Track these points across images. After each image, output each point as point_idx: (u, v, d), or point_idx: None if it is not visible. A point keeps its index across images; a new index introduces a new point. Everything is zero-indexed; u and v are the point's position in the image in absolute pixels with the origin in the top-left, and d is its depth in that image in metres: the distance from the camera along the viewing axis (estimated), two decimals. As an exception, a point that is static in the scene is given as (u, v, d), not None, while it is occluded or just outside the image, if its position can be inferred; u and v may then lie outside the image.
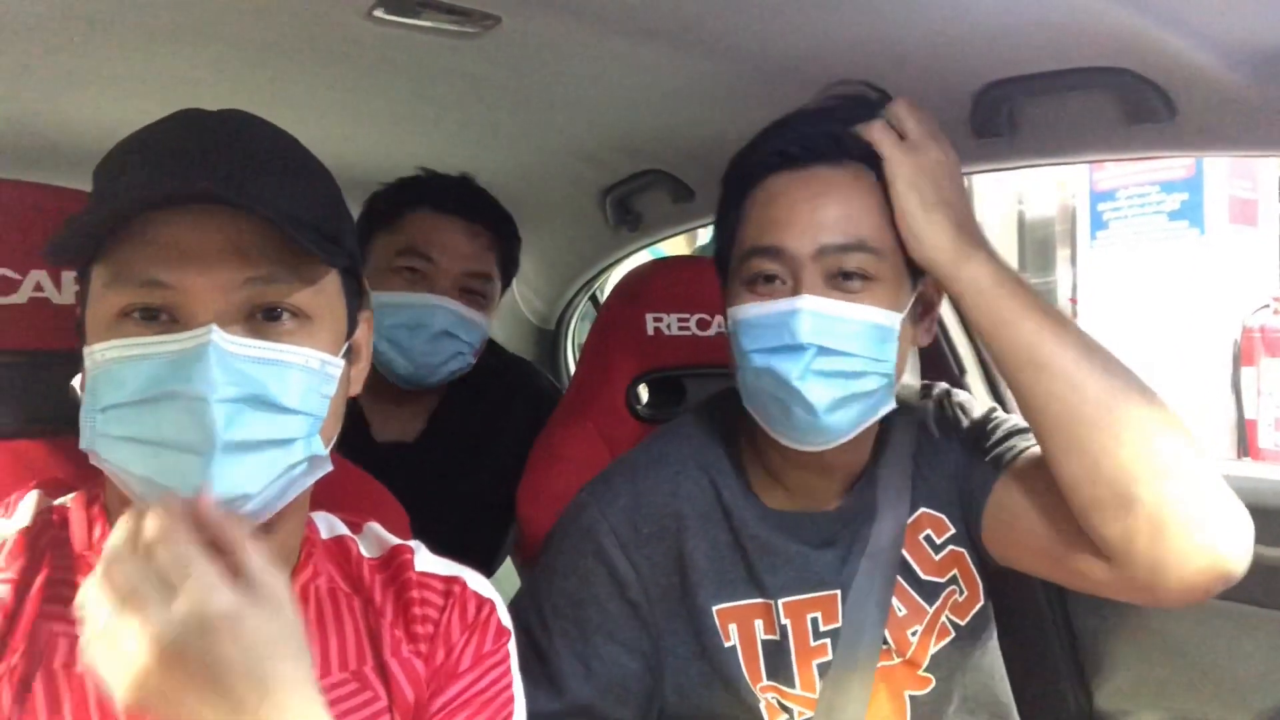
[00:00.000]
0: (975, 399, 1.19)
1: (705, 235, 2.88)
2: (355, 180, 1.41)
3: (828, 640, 1.03)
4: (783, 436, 0.99)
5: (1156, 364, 5.58)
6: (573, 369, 2.46)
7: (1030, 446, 1.06)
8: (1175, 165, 5.54)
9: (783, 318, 0.94)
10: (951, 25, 1.00)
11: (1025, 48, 1.02)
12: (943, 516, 1.09)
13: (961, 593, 1.09)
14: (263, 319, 0.71)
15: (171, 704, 0.57)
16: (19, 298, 0.88)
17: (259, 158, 0.73)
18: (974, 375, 1.59)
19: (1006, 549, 1.07)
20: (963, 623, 1.08)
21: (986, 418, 1.14)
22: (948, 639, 1.07)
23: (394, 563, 0.85)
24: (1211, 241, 5.57)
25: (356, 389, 0.81)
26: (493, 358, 1.67)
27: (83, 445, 0.70)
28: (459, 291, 1.50)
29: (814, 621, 1.03)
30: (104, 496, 0.76)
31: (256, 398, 0.68)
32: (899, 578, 1.06)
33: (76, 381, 0.74)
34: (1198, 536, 0.87)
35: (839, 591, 1.04)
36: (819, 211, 0.96)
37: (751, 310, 0.97)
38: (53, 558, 0.71)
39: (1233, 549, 0.87)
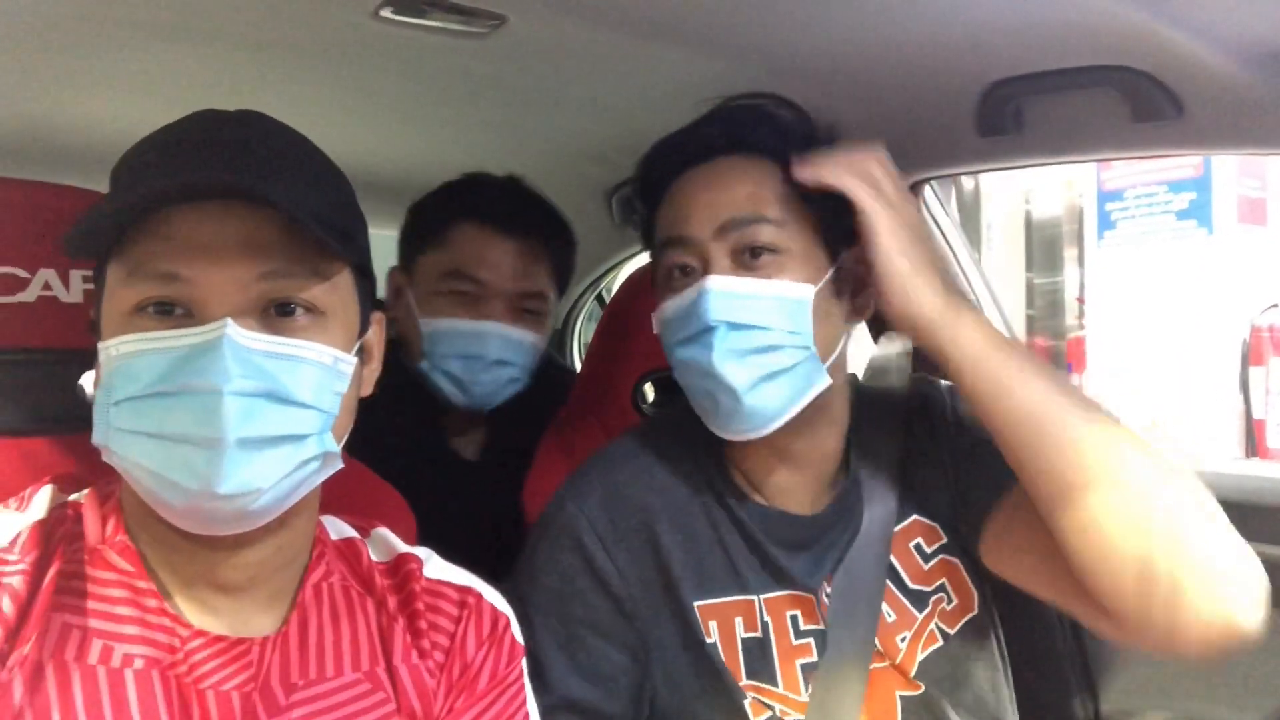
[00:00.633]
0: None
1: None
2: (361, 179, 1.41)
3: (811, 640, 1.02)
4: (718, 427, 1.00)
5: (1164, 364, 5.58)
6: (578, 368, 2.47)
7: None
8: (1183, 164, 5.53)
9: (693, 304, 0.96)
10: (958, 23, 1.00)
11: (1032, 46, 1.02)
12: (936, 526, 1.07)
13: (950, 601, 1.07)
14: (277, 314, 0.70)
15: None
16: (28, 296, 0.88)
17: (276, 155, 0.74)
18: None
19: (1008, 571, 1.02)
20: (951, 631, 1.06)
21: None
22: (935, 646, 1.05)
23: (401, 570, 0.85)
24: (1220, 241, 5.55)
25: (368, 389, 0.81)
26: (548, 367, 1.56)
27: (95, 440, 0.70)
28: (512, 312, 1.39)
29: (794, 620, 1.03)
30: (118, 493, 0.76)
31: (271, 392, 0.68)
32: (889, 583, 1.05)
33: (86, 379, 0.74)
34: (1214, 602, 0.82)
35: (813, 595, 1.03)
36: (718, 194, 0.98)
37: (669, 306, 0.99)
38: (66, 551, 0.72)
39: (1249, 611, 0.83)
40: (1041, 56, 1.04)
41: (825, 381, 0.98)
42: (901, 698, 1.04)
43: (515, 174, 1.50)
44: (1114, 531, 0.84)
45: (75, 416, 0.88)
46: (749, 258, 0.96)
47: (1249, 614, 0.83)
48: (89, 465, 0.87)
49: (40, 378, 0.88)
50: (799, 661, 1.02)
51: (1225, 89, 1.00)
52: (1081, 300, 6.36)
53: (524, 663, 0.87)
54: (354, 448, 0.80)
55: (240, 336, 0.67)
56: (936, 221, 1.60)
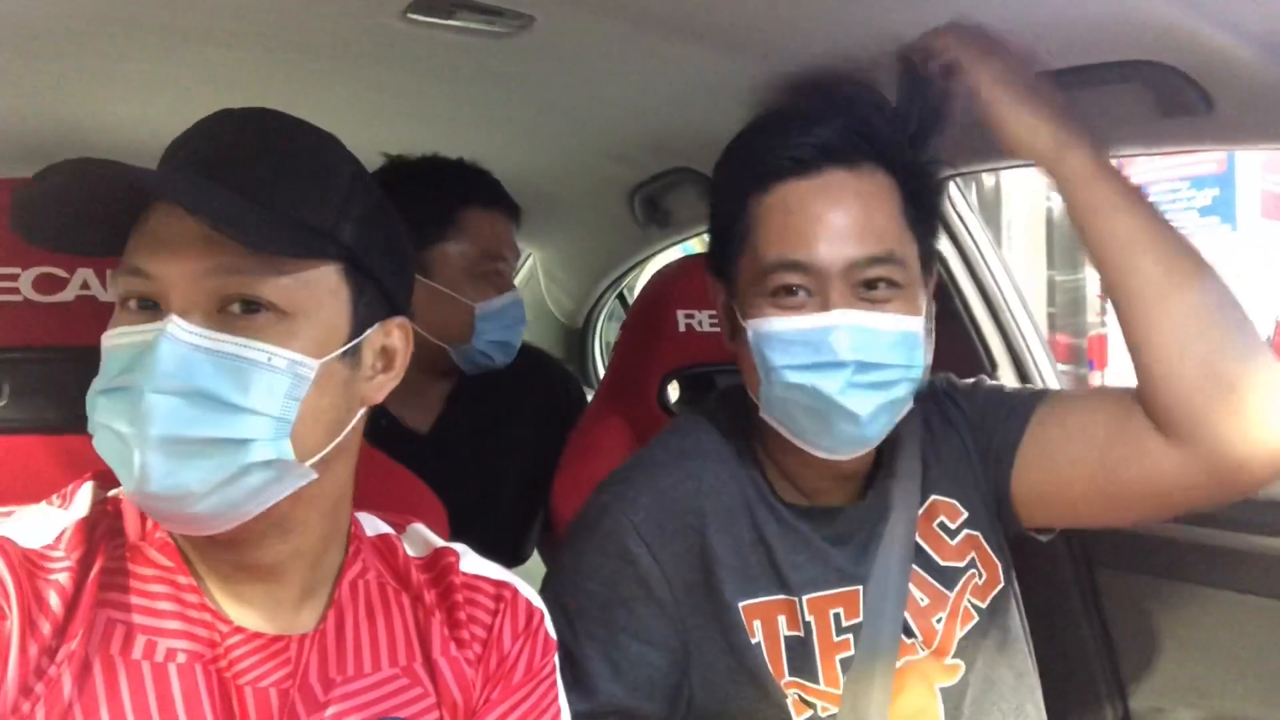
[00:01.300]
0: (958, 379, 1.19)
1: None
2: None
3: (850, 635, 1.03)
4: (815, 447, 0.99)
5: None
6: (600, 367, 2.47)
7: (1044, 391, 1.11)
8: (1206, 160, 5.49)
9: (818, 334, 0.94)
10: (984, 20, 0.99)
11: (1058, 42, 1.02)
12: (954, 501, 1.10)
13: (981, 575, 1.09)
14: (240, 312, 0.68)
15: None
16: (66, 295, 0.89)
17: (260, 153, 0.72)
18: (1005, 369, 1.59)
19: (1047, 498, 1.08)
20: (984, 605, 1.08)
21: (978, 388, 1.16)
22: (972, 623, 1.07)
23: (439, 564, 0.85)
24: (1243, 237, 5.51)
25: (378, 397, 0.78)
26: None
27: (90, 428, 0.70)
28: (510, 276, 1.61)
29: (836, 617, 1.03)
30: None
31: (201, 393, 0.66)
32: (917, 567, 1.06)
33: None
34: (1273, 418, 0.93)
35: (860, 587, 1.04)
36: (845, 225, 0.95)
37: (779, 324, 0.96)
38: (108, 547, 0.73)
39: None
40: (1068, 52, 1.04)
41: (911, 405, 1.01)
42: (941, 690, 1.04)
43: (539, 173, 1.58)
44: (1193, 330, 0.95)
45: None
46: (865, 288, 0.96)
47: None
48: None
49: (80, 375, 0.88)
50: (838, 657, 1.02)
51: (1254, 84, 0.99)
52: (1103, 297, 6.31)
53: (556, 658, 0.87)
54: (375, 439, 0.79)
55: (182, 333, 0.66)
56: (960, 217, 1.60)
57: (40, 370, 0.89)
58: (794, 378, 0.95)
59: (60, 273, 0.89)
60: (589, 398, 1.76)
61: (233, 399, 0.66)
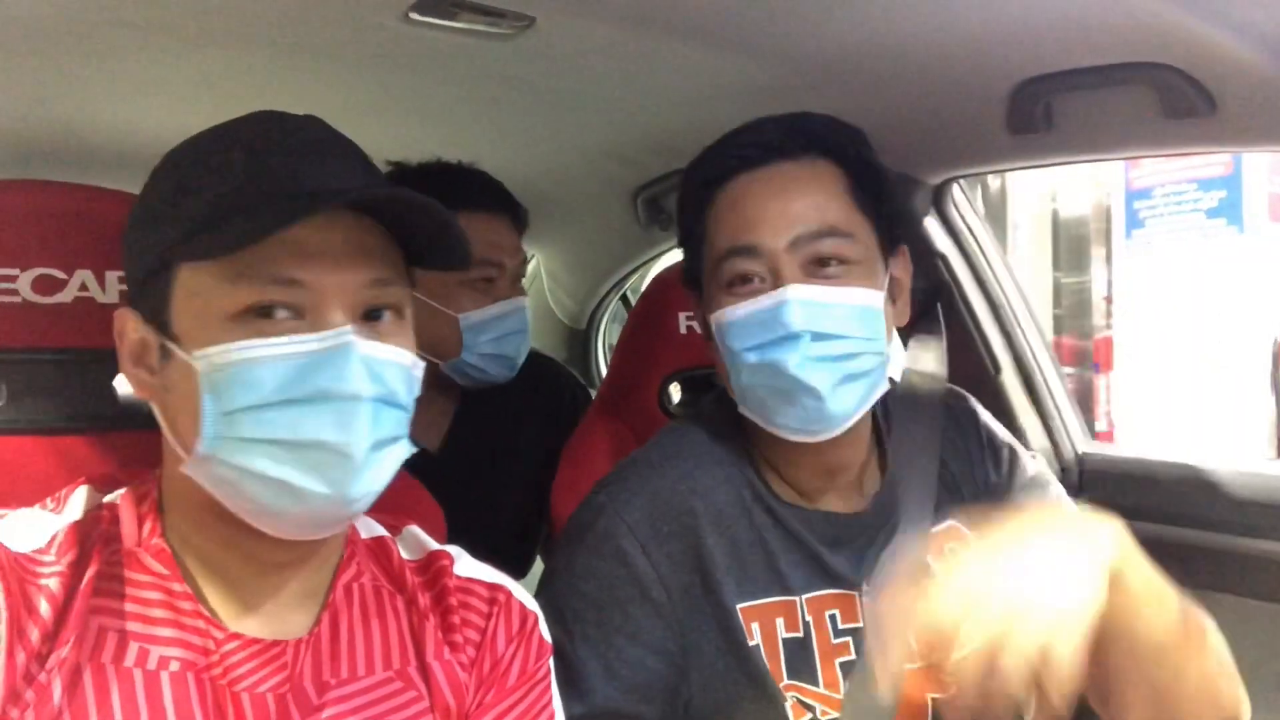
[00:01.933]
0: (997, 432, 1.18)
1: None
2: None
3: (849, 639, 1.02)
4: (786, 430, 1.00)
5: (1193, 364, 5.52)
6: (603, 369, 2.47)
7: None
8: (1213, 162, 5.46)
9: (771, 312, 0.95)
10: (988, 21, 0.99)
11: (1062, 43, 1.02)
12: (970, 535, 1.08)
13: None
14: (367, 318, 0.72)
15: None
16: (65, 297, 0.89)
17: (363, 162, 0.76)
18: (1009, 372, 1.58)
19: None
20: None
21: (1015, 453, 1.15)
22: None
23: (433, 567, 0.85)
24: (1250, 239, 5.48)
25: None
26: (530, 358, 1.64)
27: (201, 451, 0.68)
28: (513, 282, 1.51)
29: (832, 619, 1.03)
30: (154, 494, 0.77)
31: (387, 397, 0.70)
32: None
33: (120, 380, 0.74)
34: None
35: (856, 592, 1.03)
36: (787, 205, 0.97)
37: (738, 311, 0.98)
38: (102, 552, 0.72)
39: None
40: (1072, 53, 1.04)
41: (886, 386, 1.01)
42: (933, 699, 1.04)
43: (541, 174, 1.53)
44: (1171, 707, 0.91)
45: (110, 416, 0.90)
46: (818, 266, 0.97)
47: None
48: (123, 463, 0.88)
49: (76, 377, 0.89)
50: (838, 660, 1.02)
51: (1259, 85, 0.99)
52: (1109, 299, 6.30)
53: (550, 661, 0.87)
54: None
55: (360, 344, 0.68)
56: (965, 219, 1.59)
57: (39, 372, 0.89)
58: (754, 358, 0.97)
59: (59, 274, 0.89)
60: (594, 402, 1.75)
61: (401, 399, 0.71)
